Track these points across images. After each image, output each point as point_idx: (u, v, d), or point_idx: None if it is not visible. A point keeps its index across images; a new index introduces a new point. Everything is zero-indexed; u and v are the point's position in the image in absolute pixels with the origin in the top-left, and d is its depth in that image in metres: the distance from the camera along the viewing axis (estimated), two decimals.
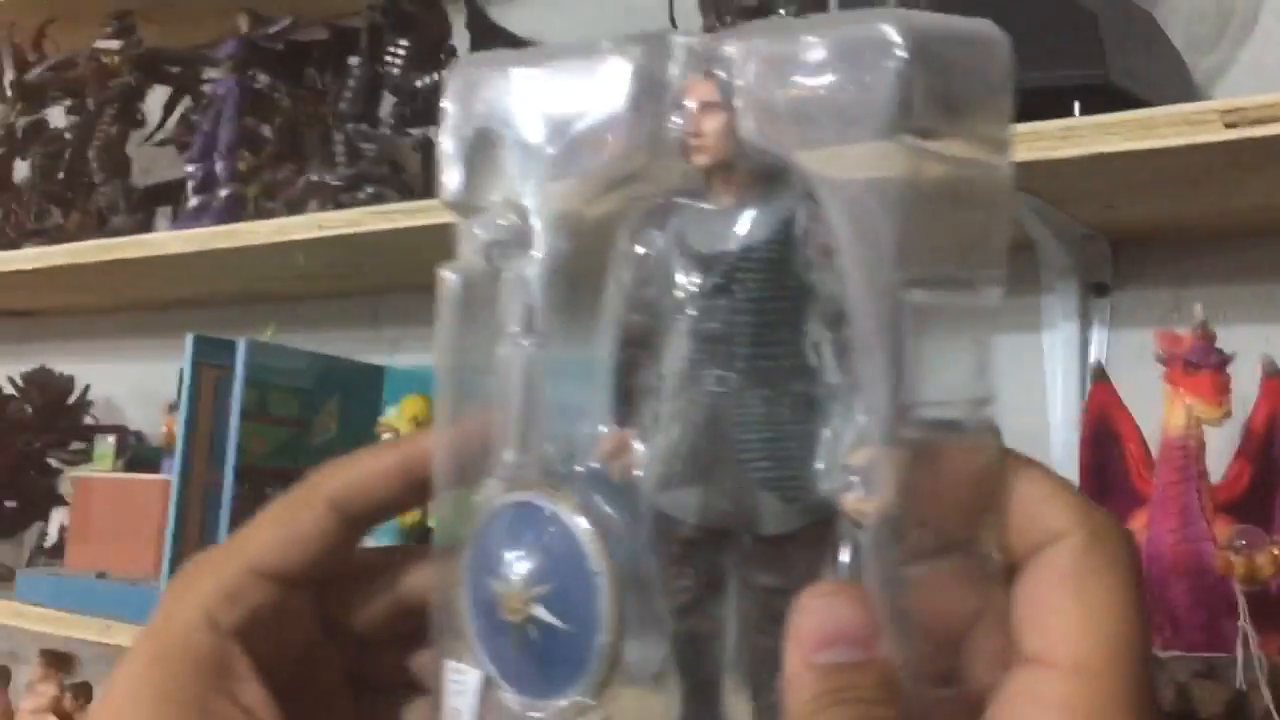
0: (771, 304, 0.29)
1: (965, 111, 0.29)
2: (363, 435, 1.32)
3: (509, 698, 0.32)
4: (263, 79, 1.28)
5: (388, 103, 1.23)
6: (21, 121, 1.50)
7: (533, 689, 0.31)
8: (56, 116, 1.55)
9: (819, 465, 0.29)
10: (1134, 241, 0.95)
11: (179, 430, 1.21)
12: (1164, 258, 0.95)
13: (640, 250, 0.32)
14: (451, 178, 0.35)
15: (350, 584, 0.37)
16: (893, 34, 0.27)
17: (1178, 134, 0.72)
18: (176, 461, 1.21)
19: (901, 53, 0.27)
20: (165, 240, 1.26)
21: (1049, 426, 0.99)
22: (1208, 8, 0.94)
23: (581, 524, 0.31)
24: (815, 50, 0.28)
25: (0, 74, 1.58)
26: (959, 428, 0.29)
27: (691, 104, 0.30)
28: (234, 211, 1.28)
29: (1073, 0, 0.81)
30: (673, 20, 1.03)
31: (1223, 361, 0.77)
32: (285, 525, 0.37)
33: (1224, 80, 0.93)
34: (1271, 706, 0.70)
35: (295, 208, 1.32)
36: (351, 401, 1.32)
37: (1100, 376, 0.86)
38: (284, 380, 1.25)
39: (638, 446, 0.31)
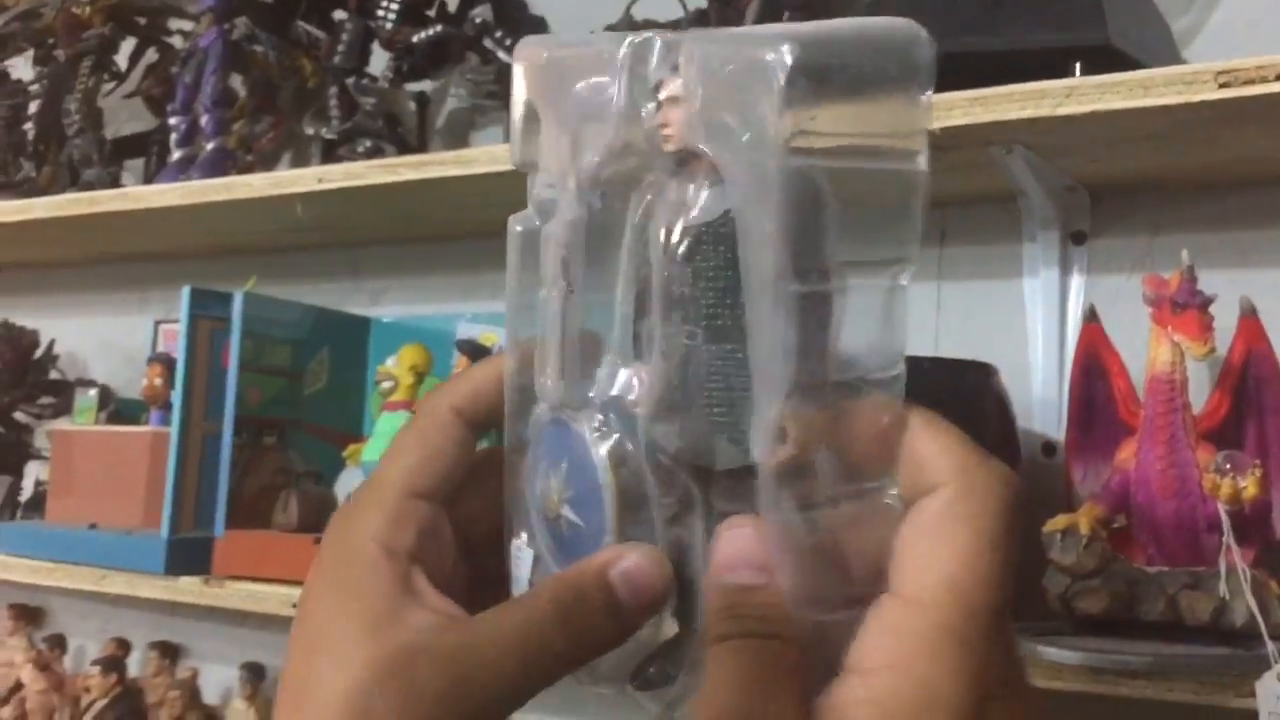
0: (723, 273, 0.35)
1: (865, 110, 0.33)
2: (352, 385, 1.35)
3: (551, 574, 0.38)
4: (246, 31, 1.29)
5: (379, 58, 1.25)
6: None
7: (563, 570, 0.38)
8: (20, 68, 1.53)
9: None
10: (1111, 192, 1.02)
11: (178, 381, 1.22)
12: (1139, 208, 1.02)
13: (638, 217, 0.38)
14: (515, 142, 0.41)
15: (466, 489, 0.41)
16: (783, 48, 0.31)
17: (1175, 93, 0.78)
18: (176, 412, 1.22)
19: (783, 66, 0.31)
20: (157, 194, 1.26)
21: (1030, 367, 1.06)
22: None
23: (595, 444, 0.37)
24: (727, 58, 0.33)
25: None
26: (864, 390, 0.34)
27: (661, 96, 0.36)
28: (221, 165, 1.29)
29: None
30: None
31: (1206, 302, 0.84)
32: (423, 445, 0.41)
33: (1197, 42, 1.00)
34: (1256, 612, 0.77)
35: (270, 162, 1.34)
36: (341, 352, 1.34)
37: (1091, 318, 0.93)
38: (277, 331, 1.27)
39: (640, 380, 0.37)
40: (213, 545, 1.19)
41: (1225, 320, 0.87)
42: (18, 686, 1.54)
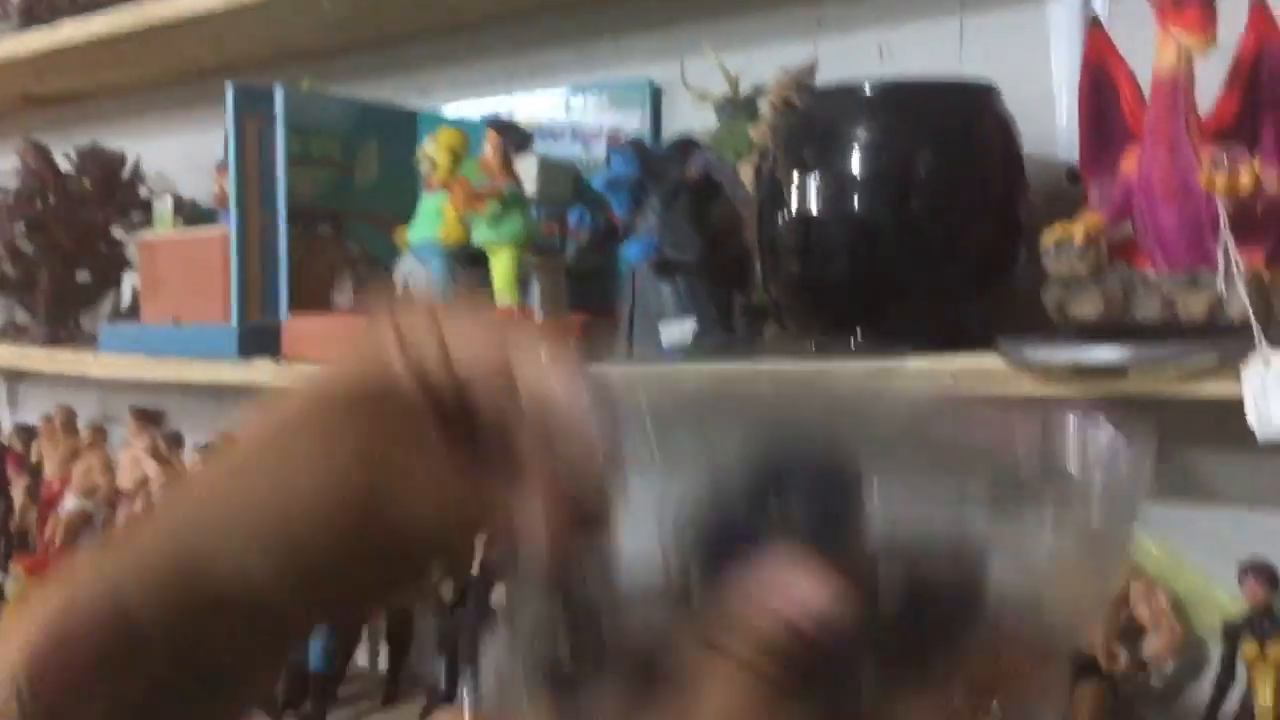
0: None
1: None
2: (404, 176, 1.38)
3: None
4: None
5: None
6: None
7: None
8: None
9: None
10: None
11: (230, 178, 1.28)
12: None
13: None
14: None
15: None
16: None
17: None
18: (232, 209, 1.28)
19: None
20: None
21: (1054, 95, 1.03)
22: None
23: None
24: None
25: None
26: None
27: None
28: None
29: None
30: None
31: None
32: None
33: None
34: (1248, 304, 0.76)
35: None
36: (390, 145, 1.37)
37: (1096, 25, 0.89)
38: (323, 124, 1.31)
39: None
40: (280, 329, 1.26)
41: (1237, 13, 0.82)
42: (145, 480, 1.67)
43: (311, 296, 1.28)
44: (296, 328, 1.25)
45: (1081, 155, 0.92)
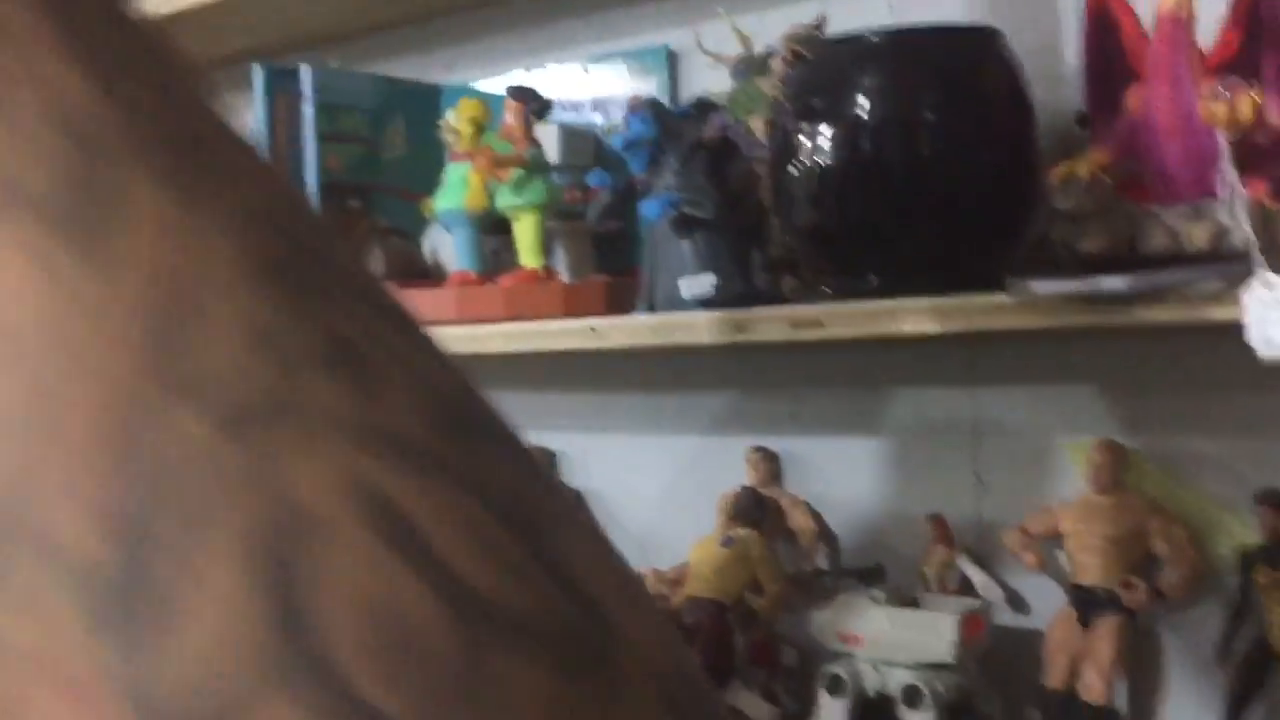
0: None
1: None
2: (431, 150, 1.42)
3: None
4: None
5: None
6: None
7: None
8: None
9: None
10: None
11: None
12: None
13: None
14: None
15: None
16: None
17: None
18: None
19: None
20: None
21: (1063, 40, 1.05)
22: None
23: None
24: None
25: None
26: None
27: None
28: None
29: None
30: None
31: None
32: None
33: None
34: (1249, 230, 0.78)
35: None
36: (416, 120, 1.40)
37: None
38: (350, 101, 1.34)
39: None
40: None
41: None
42: None
43: None
44: None
45: (1087, 95, 0.94)
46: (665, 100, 1.30)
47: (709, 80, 1.23)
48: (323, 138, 1.31)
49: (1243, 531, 0.94)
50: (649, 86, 1.32)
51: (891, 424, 1.19)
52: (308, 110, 1.30)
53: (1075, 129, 1.03)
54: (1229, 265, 0.77)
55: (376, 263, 1.28)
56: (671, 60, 1.31)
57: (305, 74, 1.30)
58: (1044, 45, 1.03)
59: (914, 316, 0.88)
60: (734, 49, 1.19)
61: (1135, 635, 0.98)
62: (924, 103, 0.88)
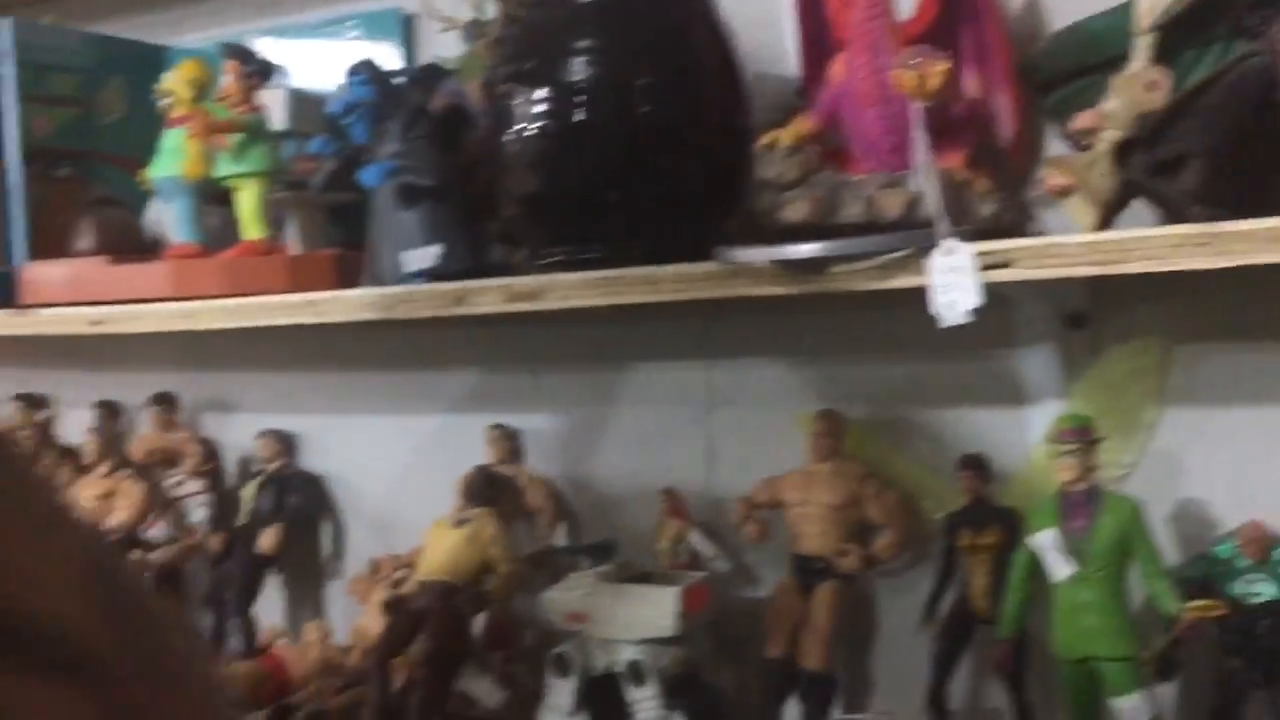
0: None
1: None
2: (152, 115, 1.33)
3: None
4: None
5: None
6: None
7: None
8: None
9: None
10: None
11: None
12: None
13: None
14: None
15: None
16: None
17: None
18: None
19: None
20: None
21: (780, 12, 1.05)
22: None
23: None
24: None
25: None
26: None
27: None
28: None
29: None
30: None
31: None
32: None
33: None
34: (936, 199, 0.78)
35: None
36: (137, 82, 1.31)
37: None
38: (60, 60, 1.24)
39: None
40: (16, 276, 1.20)
41: None
42: None
43: (54, 242, 1.22)
44: (33, 274, 1.19)
45: (803, 73, 0.94)
46: (402, 66, 1.25)
47: (447, 47, 1.19)
48: (28, 99, 1.21)
49: (951, 496, 0.96)
50: (384, 52, 1.27)
51: (629, 397, 1.18)
52: (8, 69, 1.19)
53: (796, 100, 1.03)
54: (918, 233, 0.77)
55: (88, 235, 1.19)
56: (407, 24, 1.27)
57: (4, 29, 1.19)
58: (766, 17, 1.02)
59: (626, 288, 0.87)
60: (467, 12, 1.15)
61: (853, 600, 1.00)
62: (630, 68, 0.86)
